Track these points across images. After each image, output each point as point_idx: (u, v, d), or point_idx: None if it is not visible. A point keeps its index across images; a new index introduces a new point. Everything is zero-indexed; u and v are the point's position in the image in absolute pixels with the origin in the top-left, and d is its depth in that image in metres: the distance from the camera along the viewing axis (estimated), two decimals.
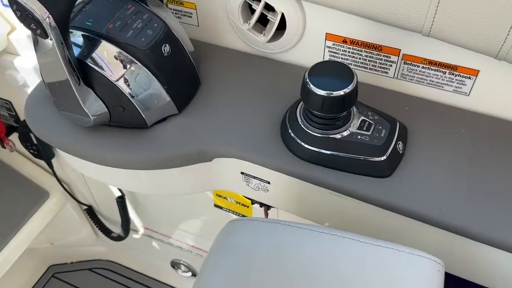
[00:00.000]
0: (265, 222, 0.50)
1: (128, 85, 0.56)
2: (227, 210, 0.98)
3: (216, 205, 0.99)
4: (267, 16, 0.63)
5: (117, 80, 0.55)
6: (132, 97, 0.56)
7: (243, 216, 0.97)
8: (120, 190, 1.08)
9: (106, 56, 0.55)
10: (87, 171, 0.69)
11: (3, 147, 1.11)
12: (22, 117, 1.06)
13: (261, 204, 0.76)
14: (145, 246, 1.29)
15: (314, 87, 0.51)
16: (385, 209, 0.53)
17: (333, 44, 0.62)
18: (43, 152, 1.06)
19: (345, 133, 0.55)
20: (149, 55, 0.56)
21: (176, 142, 0.59)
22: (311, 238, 0.48)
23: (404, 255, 0.46)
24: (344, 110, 0.53)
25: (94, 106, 0.56)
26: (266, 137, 0.59)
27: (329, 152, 0.55)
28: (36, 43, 0.51)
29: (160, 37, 0.56)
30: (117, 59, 0.55)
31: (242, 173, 0.62)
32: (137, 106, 0.57)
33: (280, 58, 0.68)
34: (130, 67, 0.56)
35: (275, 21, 0.63)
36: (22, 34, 0.86)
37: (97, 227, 1.24)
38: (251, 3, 0.63)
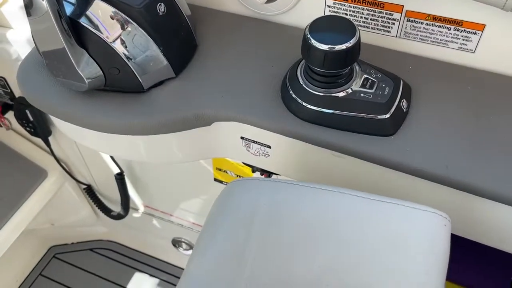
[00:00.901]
0: (265, 181, 0.48)
1: (126, 47, 0.54)
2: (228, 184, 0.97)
3: (216, 179, 0.98)
4: None
5: (113, 42, 0.54)
6: (129, 59, 0.55)
7: None
8: (119, 166, 1.07)
9: (101, 15, 0.53)
10: (83, 140, 0.68)
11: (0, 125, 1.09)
12: (17, 94, 1.04)
13: (262, 172, 0.75)
14: (145, 225, 1.28)
15: (316, 42, 0.49)
16: (389, 168, 0.52)
17: (334, 3, 0.60)
18: (39, 129, 1.05)
19: (347, 91, 0.53)
20: (144, 14, 0.54)
21: (173, 106, 0.58)
22: (311, 195, 0.46)
23: (408, 210, 0.45)
24: (346, 65, 0.51)
25: (88, 69, 0.54)
26: (266, 98, 0.57)
27: (331, 111, 0.53)
28: (29, 7, 0.50)
29: None
30: (113, 19, 0.53)
31: (242, 138, 0.60)
32: (133, 69, 0.56)
33: (278, 20, 0.66)
34: (126, 28, 0.54)
35: None
36: (14, 6, 0.84)
37: (96, 206, 1.23)
38: None
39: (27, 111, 1.01)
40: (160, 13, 0.55)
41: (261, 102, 0.57)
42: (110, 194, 1.24)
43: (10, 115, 1.09)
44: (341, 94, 0.53)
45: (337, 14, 0.61)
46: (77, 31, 0.53)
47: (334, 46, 0.49)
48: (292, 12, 0.64)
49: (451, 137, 0.52)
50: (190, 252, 1.28)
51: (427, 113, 0.54)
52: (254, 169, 0.76)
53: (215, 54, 0.63)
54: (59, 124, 0.67)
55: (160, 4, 0.55)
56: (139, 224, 1.29)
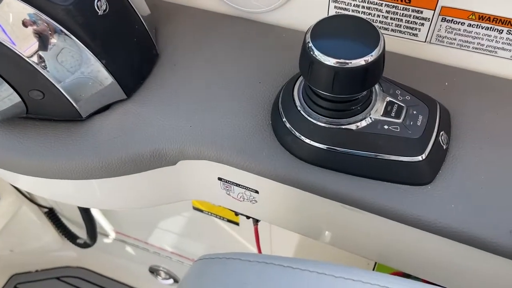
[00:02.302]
0: (249, 263, 0.33)
1: (50, 62, 0.38)
2: (209, 213, 0.81)
3: (195, 208, 0.82)
4: None
5: (32, 56, 0.38)
6: (56, 79, 0.39)
7: (228, 220, 0.80)
8: None
9: (13, 19, 0.37)
10: (13, 181, 0.52)
11: None
12: None
13: (248, 217, 0.60)
14: (118, 250, 1.13)
15: (321, 54, 0.33)
16: (425, 231, 0.37)
17: None
18: None
19: (364, 122, 0.38)
20: (74, 14, 0.38)
21: (123, 140, 0.42)
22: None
23: None
24: (365, 88, 0.36)
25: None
26: (251, 129, 0.42)
27: (341, 150, 0.38)
28: None
29: None
30: (29, 24, 0.37)
31: (220, 179, 0.45)
32: (63, 92, 0.40)
33: (267, 20, 0.50)
34: (50, 35, 0.38)
35: None
36: None
37: (60, 232, 1.07)
38: None
39: None
40: (100, 12, 0.39)
41: (244, 134, 0.41)
42: (76, 218, 1.08)
43: None
44: (355, 127, 0.38)
45: (347, 13, 0.46)
46: None
47: (348, 61, 0.33)
48: (285, 9, 0.48)
49: (511, 185, 0.37)
50: (170, 281, 1.13)
51: (474, 150, 0.39)
52: (237, 212, 0.61)
53: (182, 67, 0.47)
54: None
55: (102, 2, 0.39)
56: (112, 249, 1.14)
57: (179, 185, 0.47)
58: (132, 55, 0.44)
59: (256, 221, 0.63)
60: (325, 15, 0.47)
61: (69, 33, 0.38)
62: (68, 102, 0.40)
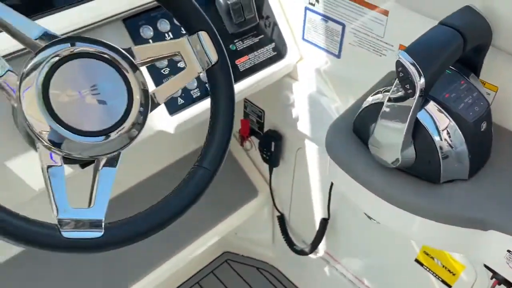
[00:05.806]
0: None
1: (445, 149, 0.65)
2: (428, 270, 1.01)
3: (417, 261, 1.03)
4: None
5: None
6: (443, 157, 0.66)
7: (442, 281, 0.99)
8: (328, 212, 1.18)
9: (438, 121, 0.65)
10: (355, 198, 0.80)
11: (241, 144, 1.31)
12: (266, 128, 1.25)
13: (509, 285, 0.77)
14: (318, 268, 1.37)
15: None
16: None
17: None
18: (273, 159, 1.23)
19: None
20: (472, 128, 0.65)
21: (459, 203, 0.67)
22: None
23: None
24: None
25: (406, 154, 0.67)
26: None
27: None
28: (401, 99, 0.63)
29: (483, 114, 0.65)
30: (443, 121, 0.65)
31: (509, 251, 0.66)
32: (441, 164, 0.66)
33: None
34: (453, 133, 0.65)
35: None
36: (307, 65, 1.02)
37: (282, 235, 1.37)
38: None
39: (272, 143, 1.21)
40: (482, 129, 0.66)
41: None
42: (299, 230, 1.37)
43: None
44: None
45: None
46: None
47: None
48: None
49: None
50: None
51: None
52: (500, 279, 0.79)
53: (505, 169, 0.70)
54: (339, 176, 0.79)
55: (484, 122, 0.66)
56: (311, 263, 1.38)
57: (477, 246, 0.70)
58: (480, 154, 0.69)
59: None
60: None
61: (462, 136, 0.65)
62: (439, 170, 0.67)
